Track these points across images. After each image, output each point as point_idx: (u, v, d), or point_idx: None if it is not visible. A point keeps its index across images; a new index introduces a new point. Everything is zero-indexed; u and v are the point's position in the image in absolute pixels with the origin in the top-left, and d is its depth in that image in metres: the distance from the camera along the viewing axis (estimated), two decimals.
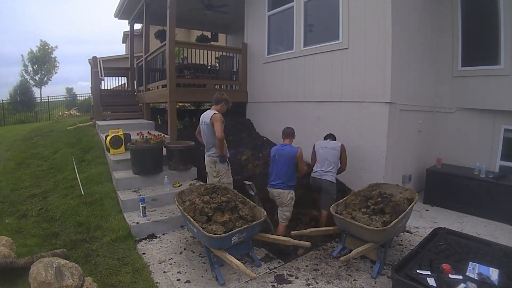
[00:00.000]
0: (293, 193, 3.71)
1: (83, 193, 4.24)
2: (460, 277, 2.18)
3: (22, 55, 27.89)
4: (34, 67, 27.80)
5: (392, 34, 4.03)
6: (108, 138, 4.93)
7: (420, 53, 4.90)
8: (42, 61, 27.95)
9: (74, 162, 5.12)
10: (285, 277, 2.84)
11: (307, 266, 3.04)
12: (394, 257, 3.18)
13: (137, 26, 10.24)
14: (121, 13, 8.68)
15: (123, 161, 4.70)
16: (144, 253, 3.24)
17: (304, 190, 4.34)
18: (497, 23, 4.52)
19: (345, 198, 3.34)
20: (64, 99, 22.95)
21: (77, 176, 4.68)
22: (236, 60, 7.17)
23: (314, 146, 4.19)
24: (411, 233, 3.76)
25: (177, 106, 7.50)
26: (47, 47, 28.59)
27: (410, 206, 3.03)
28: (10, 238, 2.94)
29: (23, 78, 26.76)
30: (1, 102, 18.26)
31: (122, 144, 5.01)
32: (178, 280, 2.78)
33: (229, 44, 11.25)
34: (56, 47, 29.71)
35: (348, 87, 4.63)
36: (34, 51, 27.74)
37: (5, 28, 75.96)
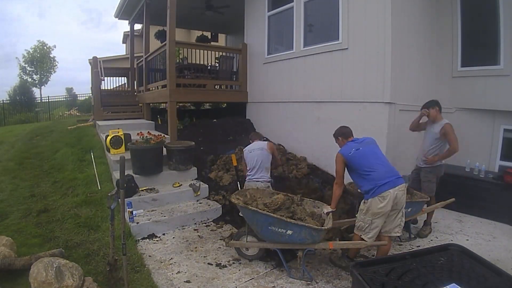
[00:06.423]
0: None
1: (99, 188, 4.36)
2: None
3: (17, 58, 27.90)
4: (32, 67, 27.71)
5: (392, 34, 4.04)
6: (109, 138, 4.93)
7: (419, 53, 4.90)
8: (41, 61, 27.88)
9: (92, 156, 5.20)
10: (286, 277, 2.84)
11: (307, 266, 3.04)
12: None
13: (137, 27, 10.25)
14: (121, 13, 8.68)
15: None
16: (144, 253, 3.25)
17: None
18: (497, 23, 4.53)
19: None
20: (64, 99, 22.99)
21: (95, 171, 4.75)
22: (236, 60, 7.17)
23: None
24: (412, 233, 3.75)
25: (177, 106, 7.50)
26: (45, 47, 28.53)
27: None
28: (10, 238, 2.94)
29: (21, 78, 26.78)
30: (1, 102, 18.28)
31: (122, 144, 5.02)
32: (178, 280, 2.79)
33: (229, 44, 11.26)
34: (54, 46, 29.46)
35: (348, 87, 4.64)
36: (31, 51, 27.65)
37: (5, 30, 76.37)
